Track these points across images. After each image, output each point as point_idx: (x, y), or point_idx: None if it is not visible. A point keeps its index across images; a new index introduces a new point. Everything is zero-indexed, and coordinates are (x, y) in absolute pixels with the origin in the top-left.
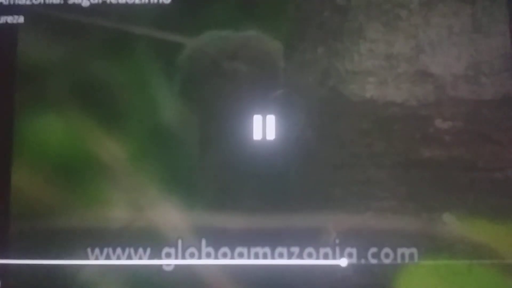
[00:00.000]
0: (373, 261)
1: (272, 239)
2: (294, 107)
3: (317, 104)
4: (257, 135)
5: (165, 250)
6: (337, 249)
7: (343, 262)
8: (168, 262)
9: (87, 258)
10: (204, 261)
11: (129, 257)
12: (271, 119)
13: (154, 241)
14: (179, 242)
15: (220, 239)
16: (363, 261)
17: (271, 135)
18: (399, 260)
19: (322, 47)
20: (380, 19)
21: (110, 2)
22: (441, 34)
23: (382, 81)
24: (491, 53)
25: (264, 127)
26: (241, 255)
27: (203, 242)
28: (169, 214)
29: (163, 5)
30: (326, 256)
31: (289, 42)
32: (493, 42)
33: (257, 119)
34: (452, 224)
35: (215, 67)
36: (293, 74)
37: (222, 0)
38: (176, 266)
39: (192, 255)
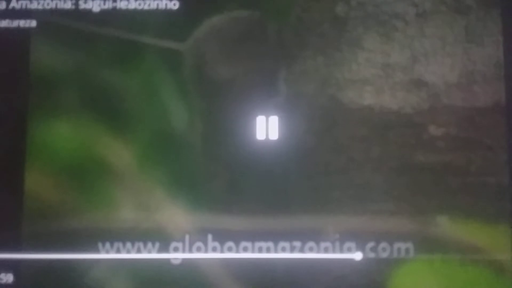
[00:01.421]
0: (372, 255)
1: (274, 238)
2: (296, 110)
3: (316, 111)
4: (260, 135)
5: (173, 244)
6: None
7: (357, 255)
8: (176, 256)
9: (97, 252)
10: (210, 255)
11: (139, 251)
12: (274, 120)
13: (162, 236)
14: (187, 237)
15: (226, 235)
16: (376, 255)
17: (274, 135)
18: (395, 255)
19: (322, 57)
20: (377, 30)
21: (120, 8)
22: (436, 44)
23: (379, 89)
24: (484, 62)
25: (267, 128)
26: (245, 249)
27: (209, 237)
28: (177, 211)
29: (170, 11)
30: (326, 250)
31: (290, 51)
32: (486, 52)
33: (260, 120)
34: (446, 226)
35: (220, 70)
36: (294, 82)
37: (227, 7)
38: (184, 260)
39: (199, 249)
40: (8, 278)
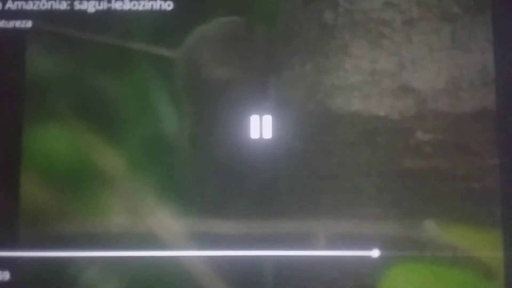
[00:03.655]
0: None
1: (262, 242)
2: (286, 113)
3: (305, 116)
4: (254, 134)
5: (166, 243)
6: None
7: (375, 253)
8: (167, 254)
9: (91, 250)
10: (200, 252)
11: (131, 250)
12: (267, 119)
13: (155, 237)
14: (179, 237)
15: (216, 236)
16: (365, 258)
17: (267, 134)
18: (384, 259)
19: (310, 63)
20: (365, 37)
21: (115, 8)
22: (422, 50)
23: (366, 95)
24: (470, 68)
25: (261, 127)
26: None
27: (202, 237)
28: (171, 215)
29: (165, 12)
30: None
31: (279, 58)
32: (472, 58)
33: (254, 119)
34: (433, 230)
35: (212, 75)
36: (283, 88)
37: (220, 9)
38: (175, 257)
39: (190, 248)
40: (5, 275)
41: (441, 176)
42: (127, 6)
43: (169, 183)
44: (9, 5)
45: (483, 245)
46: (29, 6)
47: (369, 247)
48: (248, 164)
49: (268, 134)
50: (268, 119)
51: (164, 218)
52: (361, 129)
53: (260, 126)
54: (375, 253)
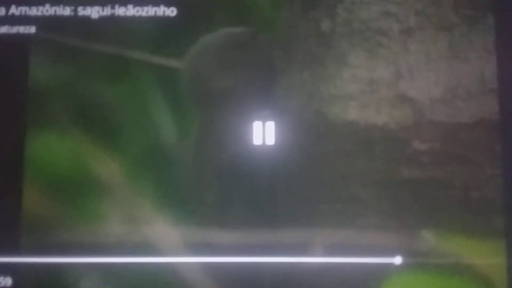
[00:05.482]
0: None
1: (259, 250)
2: (284, 121)
3: (302, 125)
4: (257, 141)
5: (165, 250)
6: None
7: (397, 260)
8: (166, 260)
9: (92, 256)
10: (200, 259)
11: (131, 256)
12: (270, 125)
13: (152, 246)
14: (178, 245)
15: (215, 242)
16: (362, 268)
17: (270, 140)
18: (382, 269)
19: (308, 72)
20: (362, 46)
21: (118, 14)
22: (420, 60)
23: (364, 104)
24: (468, 77)
25: (264, 133)
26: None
27: (203, 245)
28: (172, 224)
29: (168, 18)
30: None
31: (277, 66)
32: (470, 67)
33: (257, 125)
34: (431, 240)
35: (216, 78)
36: (280, 97)
37: (223, 13)
38: (173, 264)
39: (188, 254)
40: (7, 281)
41: (439, 186)
42: (131, 12)
43: (170, 190)
44: (13, 10)
45: (481, 254)
46: (33, 11)
47: (392, 254)
48: (250, 170)
49: (271, 140)
50: (271, 125)
51: (165, 226)
52: (358, 139)
53: (263, 132)
54: (397, 260)
